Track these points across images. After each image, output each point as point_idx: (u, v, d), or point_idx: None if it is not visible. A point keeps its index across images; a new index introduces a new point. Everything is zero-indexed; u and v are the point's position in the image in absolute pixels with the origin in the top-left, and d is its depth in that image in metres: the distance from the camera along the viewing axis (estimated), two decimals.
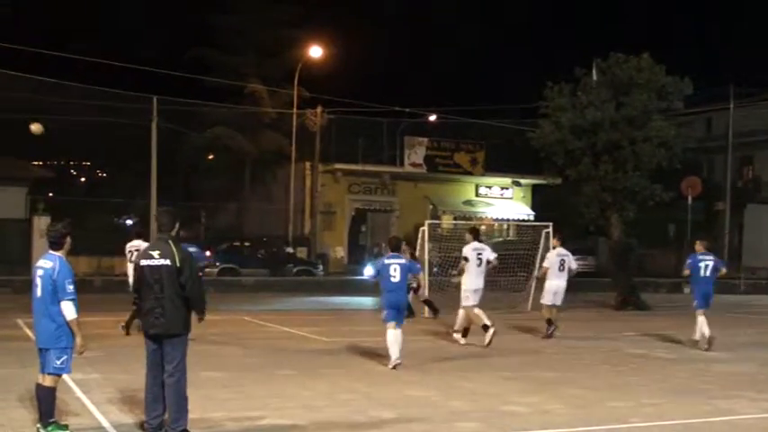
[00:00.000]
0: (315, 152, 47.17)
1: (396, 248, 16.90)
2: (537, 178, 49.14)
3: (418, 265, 19.39)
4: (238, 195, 56.00)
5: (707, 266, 19.95)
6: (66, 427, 10.42)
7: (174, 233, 10.57)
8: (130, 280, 18.14)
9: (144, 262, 10.38)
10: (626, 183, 31.09)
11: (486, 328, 19.42)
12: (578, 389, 14.36)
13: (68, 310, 10.16)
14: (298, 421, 11.50)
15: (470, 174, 53.20)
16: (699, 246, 20.38)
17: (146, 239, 20.50)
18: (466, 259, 19.79)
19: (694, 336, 20.21)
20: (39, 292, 10.27)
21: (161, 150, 43.04)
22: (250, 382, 14.31)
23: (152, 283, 10.25)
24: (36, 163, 56.60)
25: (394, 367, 16.06)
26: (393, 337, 16.24)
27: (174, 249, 10.32)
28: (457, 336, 20.24)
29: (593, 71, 32.09)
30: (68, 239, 10.52)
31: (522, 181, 55.33)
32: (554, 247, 22.21)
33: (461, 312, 20.22)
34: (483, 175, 53.57)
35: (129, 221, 50.78)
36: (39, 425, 10.33)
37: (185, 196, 53.24)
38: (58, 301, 10.14)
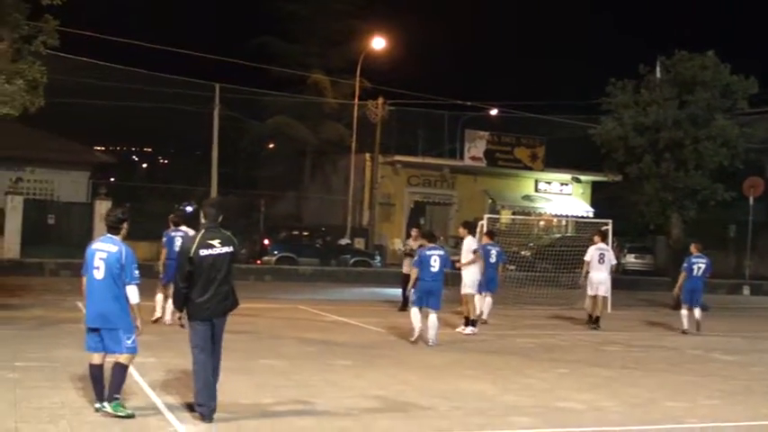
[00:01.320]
0: (375, 143, 47.11)
1: (432, 239, 18.70)
2: (597, 175, 48.64)
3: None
4: (298, 185, 56.15)
5: (699, 267, 22.48)
6: (125, 406, 10.55)
7: (218, 223, 10.90)
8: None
9: (205, 252, 10.53)
10: (687, 181, 30.92)
11: (472, 321, 20.40)
12: (634, 387, 14.27)
13: (134, 294, 10.47)
14: (351, 410, 11.54)
15: (530, 169, 52.79)
16: (693, 248, 22.91)
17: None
18: (475, 252, 20.54)
19: (683, 327, 22.56)
20: (100, 274, 10.46)
21: (222, 138, 43.24)
22: (305, 371, 14.36)
23: (214, 272, 10.52)
24: (99, 148, 57.23)
25: (415, 341, 18.01)
26: (416, 315, 18.02)
27: (230, 234, 10.78)
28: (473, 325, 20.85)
29: (657, 69, 31.94)
30: (125, 225, 10.80)
31: (582, 177, 54.85)
32: (595, 243, 23.60)
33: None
34: (543, 170, 53.11)
35: (189, 208, 51.06)
36: (99, 404, 10.50)
37: (245, 184, 53.56)
38: (123, 285, 10.39)
